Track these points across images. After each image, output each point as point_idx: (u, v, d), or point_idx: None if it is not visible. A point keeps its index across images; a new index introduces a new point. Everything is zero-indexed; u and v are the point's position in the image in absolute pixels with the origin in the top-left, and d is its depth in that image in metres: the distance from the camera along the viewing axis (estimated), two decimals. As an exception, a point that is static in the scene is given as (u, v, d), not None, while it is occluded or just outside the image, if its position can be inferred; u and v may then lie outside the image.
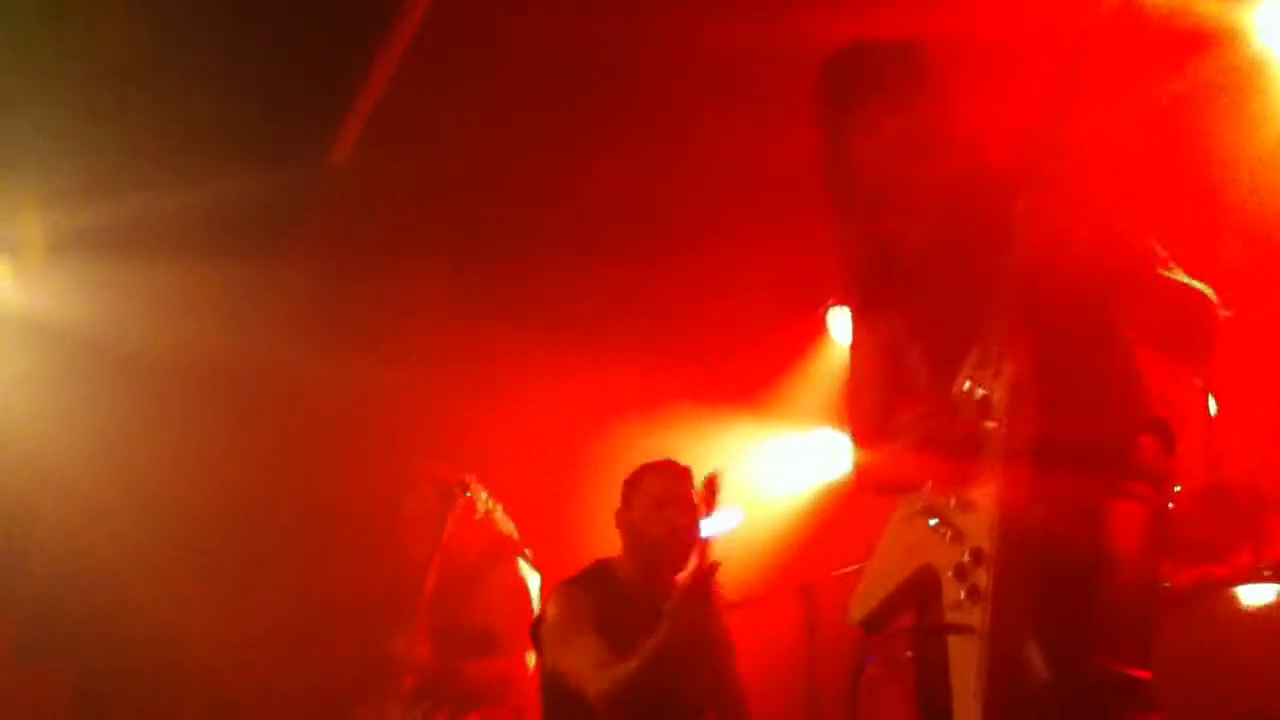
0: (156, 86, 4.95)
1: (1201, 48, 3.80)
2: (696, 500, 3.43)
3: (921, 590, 2.07)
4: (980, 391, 2.01)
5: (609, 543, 3.62)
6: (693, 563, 3.23)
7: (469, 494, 4.12)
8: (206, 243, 5.66)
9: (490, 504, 4.17)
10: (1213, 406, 3.49)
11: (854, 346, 2.47)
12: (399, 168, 5.26)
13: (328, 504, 6.05)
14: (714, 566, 3.19)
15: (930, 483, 2.10)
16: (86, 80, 4.94)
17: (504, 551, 4.12)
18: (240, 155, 5.29)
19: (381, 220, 5.68)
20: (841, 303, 5.45)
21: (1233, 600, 3.09)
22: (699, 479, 3.42)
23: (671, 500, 3.42)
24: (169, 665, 6.40)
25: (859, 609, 2.19)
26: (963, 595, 1.94)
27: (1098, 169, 2.18)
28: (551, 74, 4.71)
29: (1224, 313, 2.21)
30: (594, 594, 3.34)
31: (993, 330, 2.03)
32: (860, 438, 2.39)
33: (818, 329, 5.60)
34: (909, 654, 2.35)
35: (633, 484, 3.51)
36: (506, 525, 4.20)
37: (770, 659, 4.74)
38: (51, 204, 5.60)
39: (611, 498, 3.70)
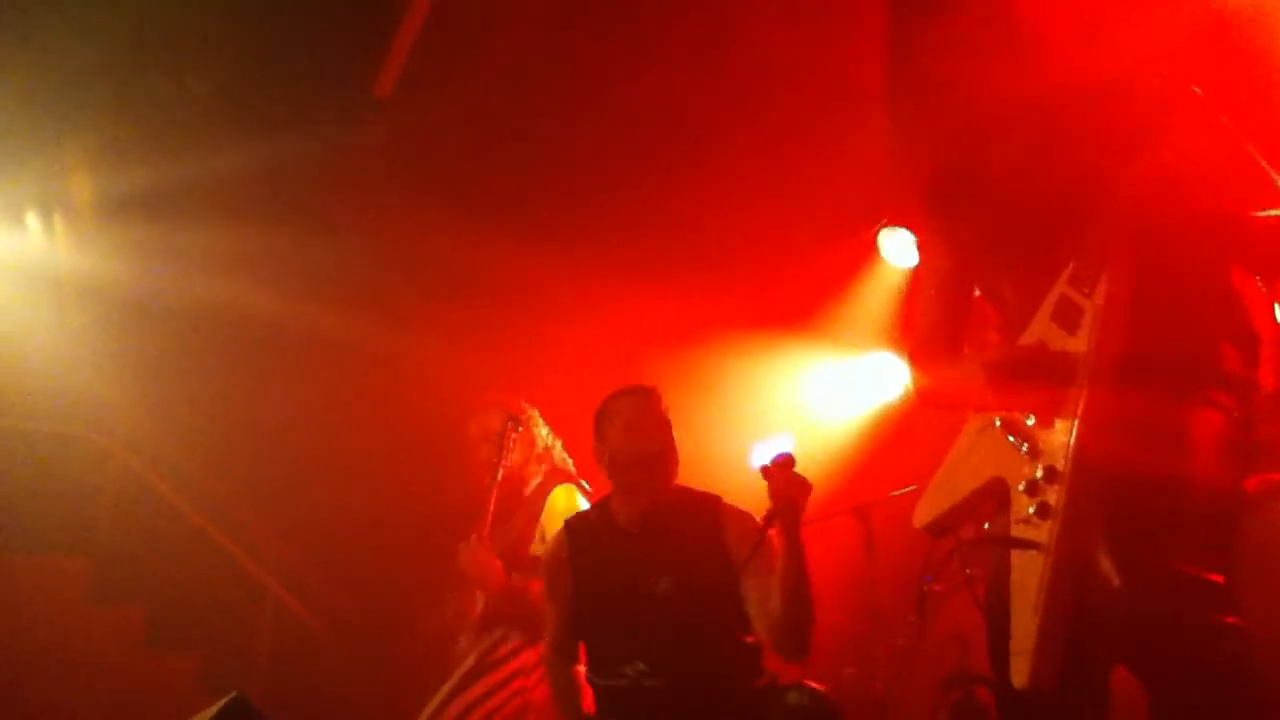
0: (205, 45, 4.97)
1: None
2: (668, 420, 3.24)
3: (988, 502, 2.05)
4: (1072, 308, 1.98)
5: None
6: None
7: (520, 428, 4.11)
8: (255, 199, 5.71)
9: (551, 439, 4.18)
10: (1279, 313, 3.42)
11: (924, 264, 2.44)
12: (440, 100, 5.24)
13: (392, 436, 6.13)
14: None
15: (1008, 399, 2.06)
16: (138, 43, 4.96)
17: (561, 484, 4.13)
18: (287, 109, 5.30)
19: (426, 155, 5.66)
20: (897, 224, 5.41)
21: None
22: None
23: (641, 422, 3.19)
24: (236, 597, 6.56)
25: (923, 515, 2.17)
26: (1031, 511, 1.93)
27: (1211, 92, 2.11)
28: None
29: None
30: (583, 542, 3.26)
31: (1091, 247, 2.00)
32: (929, 354, 2.36)
33: (869, 251, 5.53)
34: (968, 571, 2.34)
35: (602, 414, 3.27)
36: (564, 459, 4.21)
37: (830, 578, 4.77)
38: (101, 168, 5.67)
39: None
